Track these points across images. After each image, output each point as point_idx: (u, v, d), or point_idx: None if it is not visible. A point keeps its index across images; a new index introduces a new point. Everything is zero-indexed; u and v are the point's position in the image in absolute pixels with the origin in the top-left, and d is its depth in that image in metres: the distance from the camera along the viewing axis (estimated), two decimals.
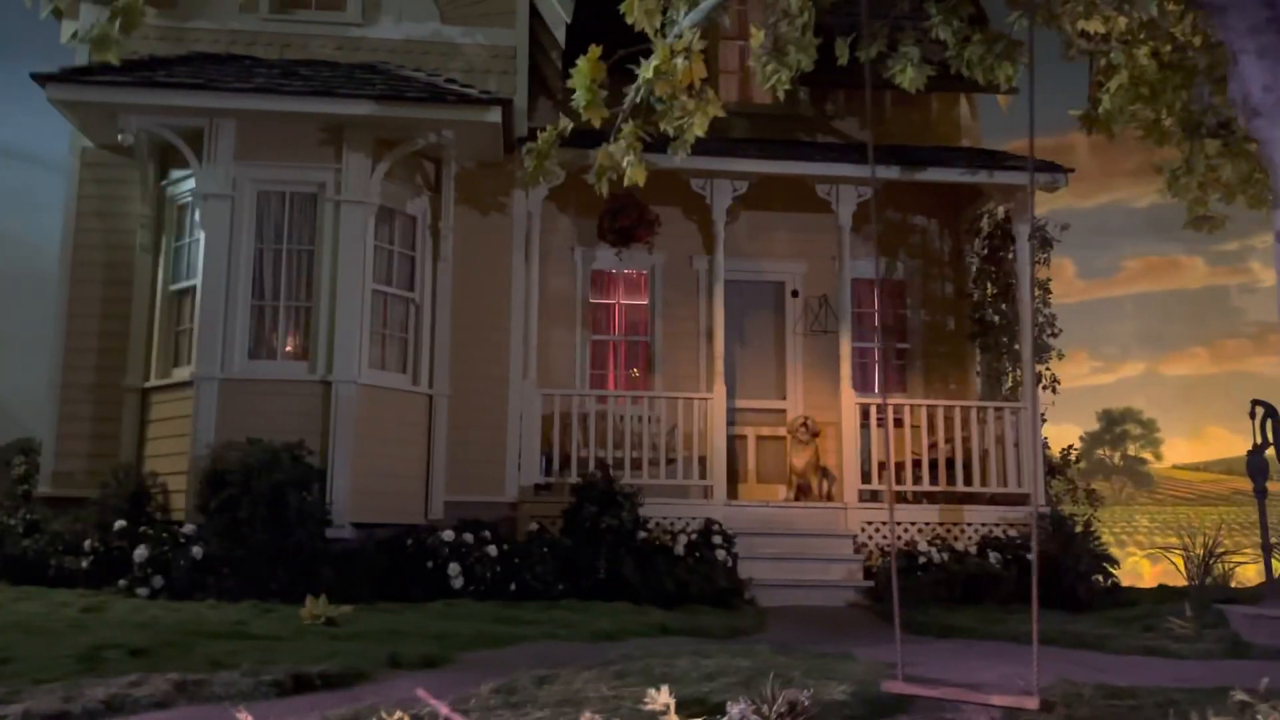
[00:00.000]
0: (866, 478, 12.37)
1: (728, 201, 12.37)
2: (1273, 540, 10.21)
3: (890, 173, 12.41)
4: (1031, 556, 11.31)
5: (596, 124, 7.38)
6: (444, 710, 3.61)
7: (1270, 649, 7.49)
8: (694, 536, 10.32)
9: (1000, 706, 4.29)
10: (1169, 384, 19.36)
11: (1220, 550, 12.17)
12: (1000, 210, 13.96)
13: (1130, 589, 12.15)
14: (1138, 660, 7.07)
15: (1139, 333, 20.65)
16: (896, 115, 15.16)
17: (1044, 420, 13.40)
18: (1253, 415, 9.96)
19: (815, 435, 12.71)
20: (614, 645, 7.02)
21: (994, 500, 12.56)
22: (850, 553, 11.49)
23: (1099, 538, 12.37)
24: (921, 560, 10.99)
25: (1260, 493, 9.75)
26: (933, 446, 12.87)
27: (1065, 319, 22.37)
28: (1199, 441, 19.47)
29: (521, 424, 11.57)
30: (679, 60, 7.10)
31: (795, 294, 14.62)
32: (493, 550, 9.73)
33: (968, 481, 12.29)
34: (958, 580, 10.72)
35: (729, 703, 3.92)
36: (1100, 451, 21.32)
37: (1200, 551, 12.61)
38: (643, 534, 10.15)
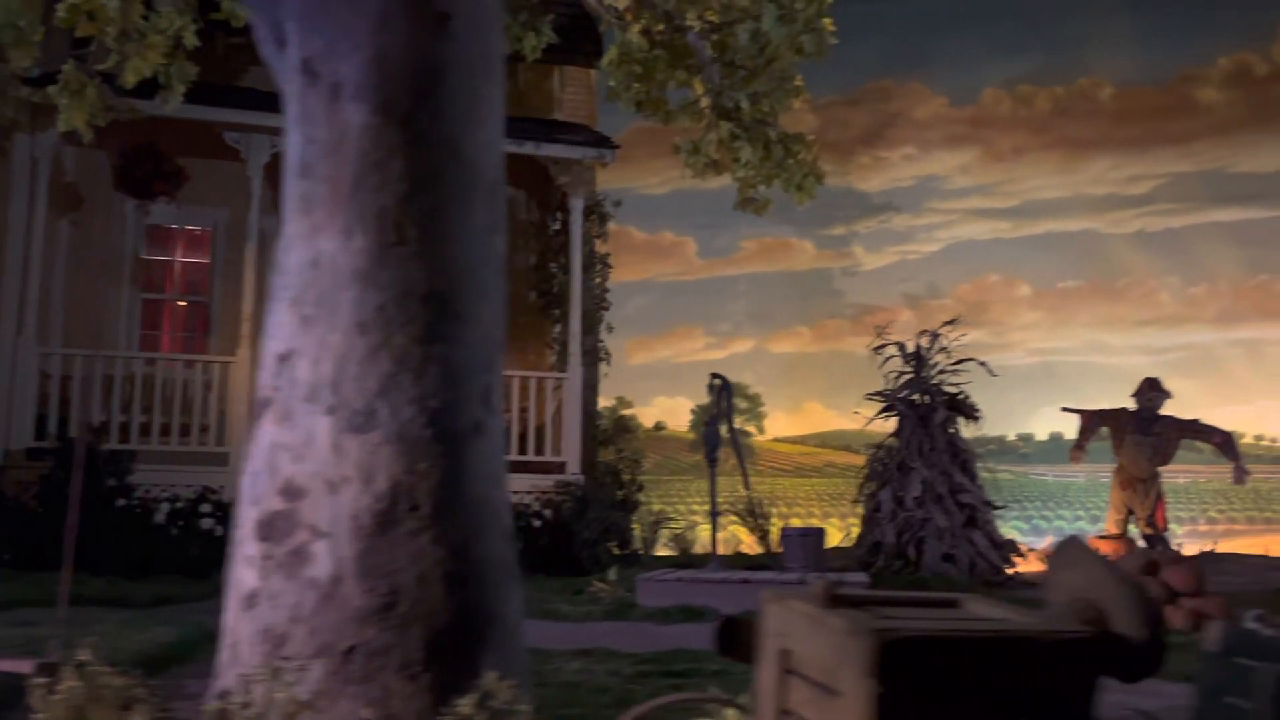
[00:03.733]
0: None
1: (265, 157, 11.89)
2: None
3: None
4: (542, 524, 11.48)
5: (27, 62, 6.82)
6: None
7: (647, 611, 7.88)
8: (181, 505, 9.86)
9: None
10: (774, 360, 20.48)
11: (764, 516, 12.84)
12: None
13: (662, 557, 12.62)
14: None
15: (750, 311, 21.75)
16: None
17: (594, 390, 13.73)
18: (711, 388, 10.45)
19: None
20: None
21: (542, 469, 12.73)
22: None
23: (632, 506, 12.84)
24: None
25: (712, 462, 10.26)
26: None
27: (684, 296, 23.40)
28: (798, 416, 20.64)
29: (14, 384, 10.72)
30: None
31: None
32: None
33: (510, 449, 12.40)
34: None
35: None
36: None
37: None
38: (124, 501, 9.60)
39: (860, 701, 1.97)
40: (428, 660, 3.07)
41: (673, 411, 22.22)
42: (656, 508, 13.89)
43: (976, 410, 11.76)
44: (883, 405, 12.02)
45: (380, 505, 3.18)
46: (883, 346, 12.26)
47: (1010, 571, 11.10)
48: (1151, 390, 15.02)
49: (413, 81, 3.44)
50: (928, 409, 11.51)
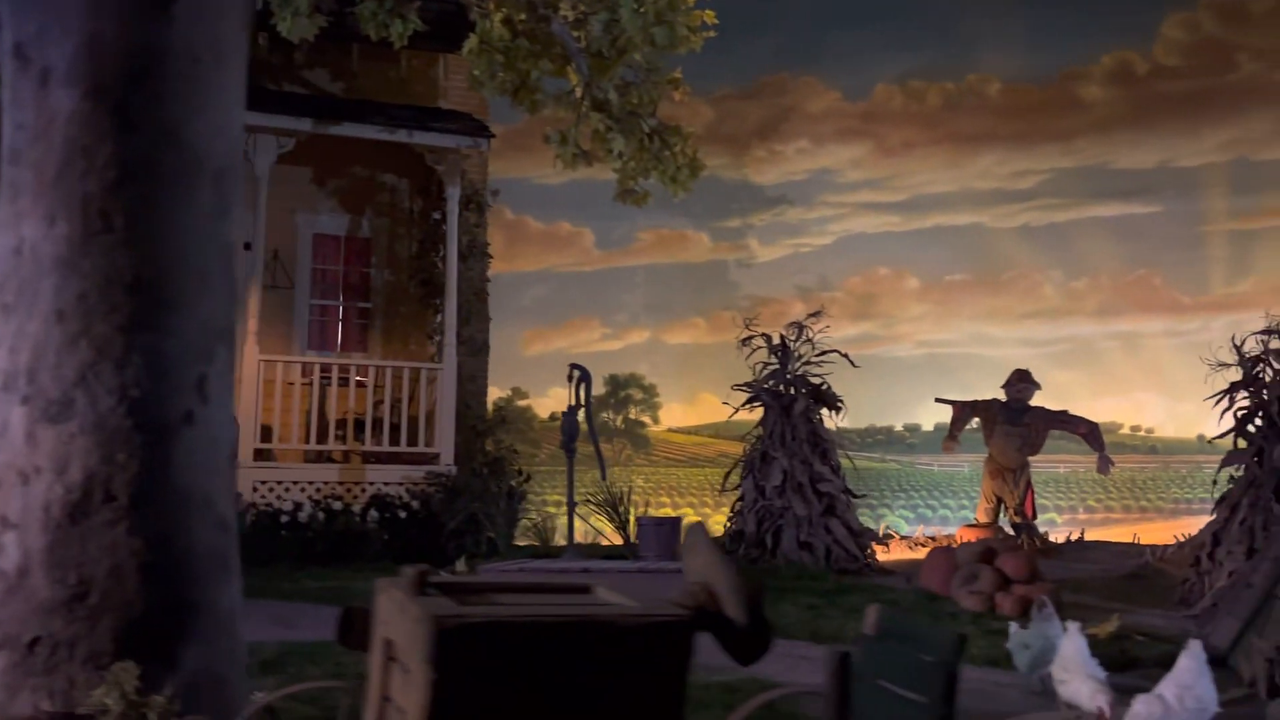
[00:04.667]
0: (324, 436, 12.23)
1: None
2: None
3: (302, 125, 12.10)
4: (412, 515, 11.42)
5: None
6: None
7: None
8: None
9: None
10: (670, 351, 20.61)
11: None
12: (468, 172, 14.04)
13: (524, 547, 12.61)
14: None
15: (647, 302, 21.84)
16: (369, 70, 14.89)
17: (474, 380, 13.69)
18: (570, 378, 10.49)
19: None
20: None
21: (416, 460, 12.65)
22: None
23: (519, 497, 12.81)
24: (303, 519, 10.86)
25: (570, 452, 10.30)
26: (378, 404, 12.84)
27: (581, 287, 23.44)
28: (692, 407, 20.77)
29: None
30: None
31: (248, 247, 14.11)
32: None
33: (383, 440, 12.34)
34: (323, 540, 10.65)
35: None
36: (605, 415, 22.32)
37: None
38: None
39: (422, 684, 1.99)
40: (118, 652, 3.04)
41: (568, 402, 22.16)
42: (551, 499, 13.89)
43: (839, 401, 11.91)
44: (748, 396, 12.13)
45: (73, 496, 3.14)
46: (750, 338, 12.37)
47: (869, 560, 11.27)
48: (1021, 381, 15.36)
49: (127, 66, 3.38)
50: (790, 399, 11.64)
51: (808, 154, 22.70)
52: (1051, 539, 15.50)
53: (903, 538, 14.94)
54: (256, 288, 12.25)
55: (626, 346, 22.02)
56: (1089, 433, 15.62)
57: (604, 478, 10.66)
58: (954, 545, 11.29)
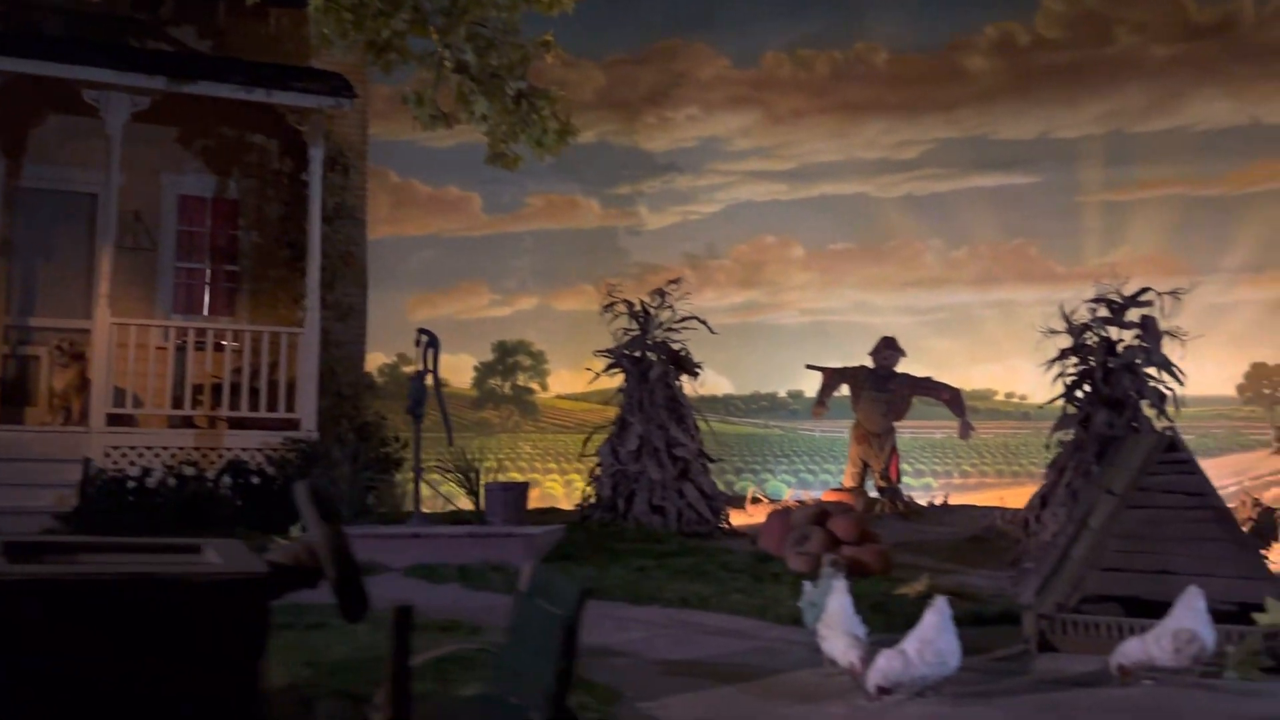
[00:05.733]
0: (179, 403, 12.03)
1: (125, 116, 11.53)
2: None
3: (155, 83, 11.82)
4: (261, 481, 11.32)
5: None
6: None
7: None
8: None
9: None
10: (559, 318, 20.57)
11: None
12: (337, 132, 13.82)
13: (386, 513, 12.58)
14: None
15: (536, 268, 21.74)
16: (236, 27, 14.55)
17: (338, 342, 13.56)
18: (418, 343, 10.45)
19: (77, 357, 12.06)
20: None
21: (277, 426, 12.52)
22: (76, 479, 10.97)
23: (394, 464, 12.76)
24: (151, 485, 10.70)
25: (417, 418, 10.27)
26: (239, 370, 12.66)
27: (469, 252, 23.28)
28: (580, 374, 20.81)
29: None
30: None
31: (137, 217, 13.82)
32: None
33: (242, 405, 12.20)
34: (172, 506, 10.52)
35: None
36: (493, 381, 22.30)
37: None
38: None
39: None
40: None
41: (456, 369, 22.11)
42: (430, 465, 13.80)
43: (697, 366, 12.04)
44: (609, 362, 12.21)
45: None
46: (612, 305, 12.43)
47: (721, 523, 11.45)
48: (887, 349, 15.66)
49: None
50: (648, 365, 11.73)
51: (698, 121, 22.73)
52: (920, 502, 15.89)
53: (771, 501, 15.19)
54: (109, 250, 11.98)
55: (515, 313, 21.95)
56: (951, 398, 16.00)
57: (451, 443, 10.64)
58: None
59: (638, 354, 11.90)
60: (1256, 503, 13.06)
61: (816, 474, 20.19)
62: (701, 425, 12.16)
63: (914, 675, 4.67)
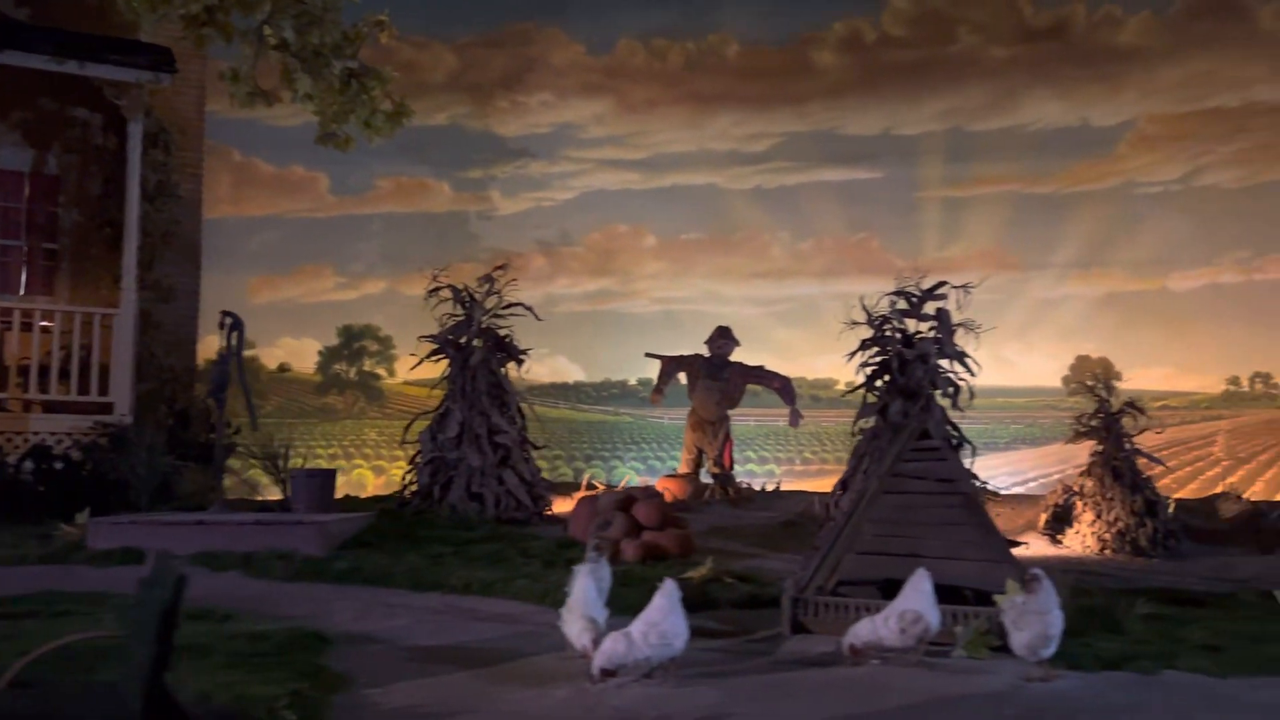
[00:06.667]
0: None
1: None
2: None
3: None
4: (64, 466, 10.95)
5: None
6: None
7: (91, 554, 7.77)
8: None
9: None
10: (407, 302, 20.27)
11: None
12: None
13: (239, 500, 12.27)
14: None
15: (384, 252, 21.45)
16: None
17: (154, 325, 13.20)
18: (222, 325, 10.23)
19: None
20: None
21: (88, 410, 12.10)
22: None
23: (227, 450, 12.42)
24: None
25: (219, 402, 10.06)
26: (49, 352, 12.19)
27: (315, 234, 22.87)
28: (431, 360, 20.67)
29: None
30: None
31: None
32: None
33: (49, 389, 11.78)
34: None
35: None
36: (338, 366, 21.95)
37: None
38: None
39: None
40: None
41: (299, 353, 21.69)
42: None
43: (521, 352, 12.03)
44: (433, 348, 12.12)
45: None
46: (437, 290, 12.34)
47: (541, 509, 11.46)
48: (721, 338, 15.91)
49: None
50: (470, 351, 11.68)
51: (551, 107, 22.66)
52: (757, 488, 16.18)
53: (608, 487, 15.26)
54: None
55: (362, 296, 21.60)
56: (782, 387, 16.33)
57: (255, 428, 10.44)
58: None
59: (462, 339, 11.84)
60: (1066, 489, 13.64)
61: (665, 460, 20.37)
62: (528, 411, 12.15)
63: (638, 657, 4.75)
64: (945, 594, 5.96)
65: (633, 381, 22.66)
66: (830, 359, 22.71)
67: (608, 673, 4.75)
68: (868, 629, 5.35)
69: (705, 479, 15.31)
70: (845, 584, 6.53)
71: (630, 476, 19.34)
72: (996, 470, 20.53)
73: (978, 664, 5.40)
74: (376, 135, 11.05)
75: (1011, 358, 20.64)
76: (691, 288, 22.44)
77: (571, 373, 22.56)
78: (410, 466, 11.76)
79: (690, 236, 22.86)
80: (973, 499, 6.41)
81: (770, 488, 15.97)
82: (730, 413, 16.22)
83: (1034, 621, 4.97)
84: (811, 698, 4.74)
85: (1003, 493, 16.62)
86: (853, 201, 21.87)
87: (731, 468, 15.71)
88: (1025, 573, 5.29)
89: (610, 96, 22.49)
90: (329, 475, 10.29)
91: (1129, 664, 5.32)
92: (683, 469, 15.79)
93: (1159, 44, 21.12)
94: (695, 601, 6.88)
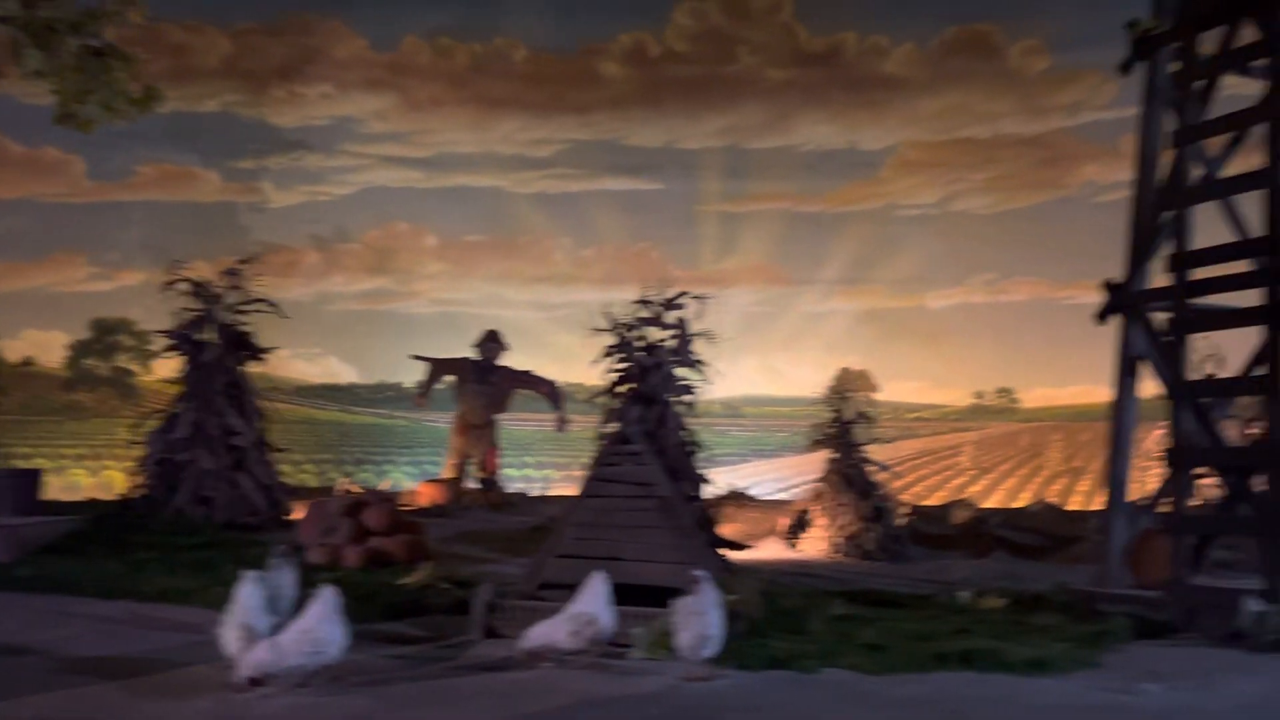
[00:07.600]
0: None
1: None
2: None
3: None
4: None
5: None
6: None
7: None
8: None
9: None
10: (167, 296, 19.32)
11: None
12: None
13: None
14: None
15: (145, 241, 20.39)
16: None
17: None
18: None
19: None
20: None
21: None
22: None
23: None
24: None
25: None
26: None
27: (68, 220, 21.62)
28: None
29: None
30: None
31: None
32: None
33: None
34: None
35: None
36: (88, 361, 20.79)
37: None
38: None
39: None
40: None
41: (45, 345, 20.43)
42: (20, 450, 12.52)
43: (261, 351, 11.64)
44: (169, 343, 11.59)
45: None
46: (174, 283, 11.82)
47: (278, 513, 11.12)
48: (490, 341, 15.85)
49: None
50: (204, 347, 11.22)
51: (331, 100, 22.09)
52: (521, 494, 16.14)
53: (369, 490, 14.92)
54: None
55: (118, 288, 20.46)
56: (550, 392, 16.39)
57: None
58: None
59: (198, 336, 11.36)
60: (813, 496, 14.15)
61: (439, 464, 20.08)
62: (273, 412, 11.76)
63: (288, 665, 4.61)
64: (649, 596, 6.05)
65: (408, 384, 22.21)
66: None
67: (255, 681, 4.59)
68: (543, 632, 5.36)
69: (470, 484, 15.19)
70: (550, 587, 6.54)
71: (392, 481, 19.00)
72: (764, 476, 21.17)
73: (648, 665, 5.48)
74: (119, 119, 10.52)
75: (782, 368, 21.33)
76: (473, 290, 22.24)
77: (345, 374, 21.96)
78: (137, 467, 11.20)
79: (473, 238, 22.67)
80: (669, 502, 6.52)
81: (534, 493, 15.98)
82: (505, 417, 16.17)
83: (694, 622, 5.08)
84: (466, 704, 4.71)
85: (762, 498, 17.15)
86: (635, 211, 22.14)
87: (496, 473, 15.63)
88: (688, 575, 5.40)
89: (394, 93, 22.10)
90: (33, 476, 9.66)
91: (794, 663, 5.50)
92: (446, 473, 15.63)
93: (920, 75, 22.23)
94: (405, 607, 6.79)
